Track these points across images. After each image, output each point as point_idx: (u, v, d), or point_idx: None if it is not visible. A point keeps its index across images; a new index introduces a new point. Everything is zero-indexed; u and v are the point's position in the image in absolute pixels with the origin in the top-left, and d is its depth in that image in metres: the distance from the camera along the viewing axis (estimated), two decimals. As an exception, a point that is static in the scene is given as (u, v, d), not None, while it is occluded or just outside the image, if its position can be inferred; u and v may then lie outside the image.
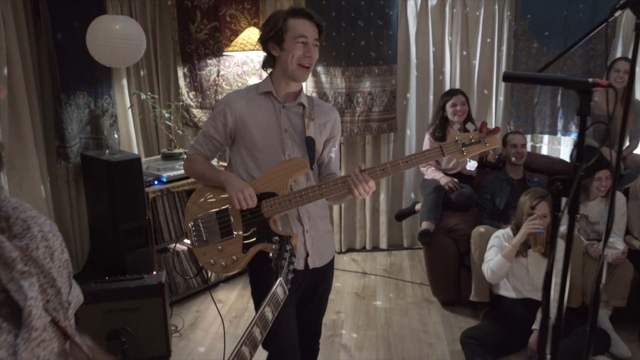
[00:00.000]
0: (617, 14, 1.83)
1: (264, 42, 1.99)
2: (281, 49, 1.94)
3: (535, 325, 3.07)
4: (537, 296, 3.15)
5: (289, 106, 2.02)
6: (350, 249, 4.85)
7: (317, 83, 4.30)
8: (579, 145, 1.37)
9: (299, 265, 2.04)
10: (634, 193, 3.58)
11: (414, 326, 3.56)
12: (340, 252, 4.77)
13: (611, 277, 3.37)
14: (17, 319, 0.78)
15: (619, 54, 4.27)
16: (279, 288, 1.42)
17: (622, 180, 3.75)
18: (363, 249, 4.86)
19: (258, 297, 2.12)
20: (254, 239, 1.96)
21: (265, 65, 2.04)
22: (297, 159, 1.99)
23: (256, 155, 2.00)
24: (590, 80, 1.34)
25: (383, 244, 4.83)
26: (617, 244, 3.36)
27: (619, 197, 3.50)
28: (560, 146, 4.62)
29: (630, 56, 4.15)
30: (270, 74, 2.04)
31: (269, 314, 1.29)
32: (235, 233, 1.97)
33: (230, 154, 2.12)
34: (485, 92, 4.54)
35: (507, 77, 1.56)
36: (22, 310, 0.78)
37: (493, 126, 2.48)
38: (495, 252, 3.20)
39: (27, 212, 0.84)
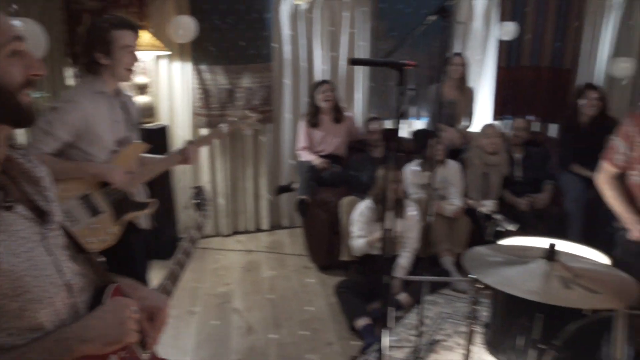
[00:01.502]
0: (430, 19, 2.46)
1: (88, 51, 2.31)
2: (110, 58, 2.30)
3: (399, 272, 3.70)
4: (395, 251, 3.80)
5: (118, 101, 2.44)
6: (236, 232, 5.25)
7: (201, 80, 4.66)
8: (399, 112, 1.91)
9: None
10: (469, 163, 4.36)
11: (295, 288, 4.06)
12: (227, 235, 5.16)
13: (453, 229, 4.12)
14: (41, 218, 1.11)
15: (457, 50, 5.09)
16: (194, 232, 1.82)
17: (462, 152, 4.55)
18: (247, 231, 5.29)
19: None
20: (122, 211, 2.38)
21: (91, 69, 2.34)
22: (138, 143, 2.49)
23: (98, 146, 2.34)
24: (403, 61, 1.89)
25: (265, 225, 5.30)
26: (455, 201, 4.13)
27: (453, 164, 4.27)
28: (413, 128, 5.38)
29: (462, 51, 5.01)
30: (97, 74, 2.35)
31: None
32: (102, 211, 2.34)
33: (66, 150, 2.30)
34: (350, 82, 5.15)
35: (352, 62, 2.08)
36: (45, 213, 1.11)
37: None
38: (359, 227, 3.75)
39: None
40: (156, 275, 1.92)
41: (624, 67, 4.74)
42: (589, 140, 4.34)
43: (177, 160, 2.60)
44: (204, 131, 4.75)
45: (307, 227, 4.40)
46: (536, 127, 5.31)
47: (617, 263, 2.55)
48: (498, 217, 2.50)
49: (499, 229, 2.46)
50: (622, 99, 5.09)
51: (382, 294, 3.69)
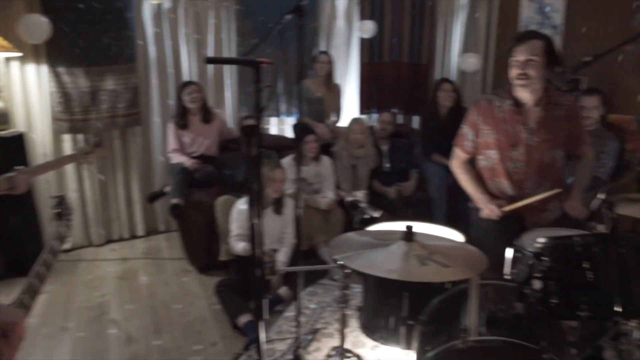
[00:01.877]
0: (287, 18, 2.53)
1: None
2: None
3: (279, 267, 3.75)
4: (273, 245, 3.86)
5: None
6: (110, 241, 5.03)
7: (60, 84, 4.38)
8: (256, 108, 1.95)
9: None
10: (337, 157, 4.53)
11: (175, 292, 3.99)
12: (100, 245, 4.92)
13: (327, 221, 4.27)
14: None
15: (322, 48, 5.25)
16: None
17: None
18: (122, 239, 5.09)
19: None
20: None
21: None
22: None
23: None
24: (258, 59, 1.93)
25: (141, 231, 5.13)
26: (328, 194, 4.28)
27: (326, 159, 4.41)
28: (285, 126, 5.49)
29: (327, 49, 5.17)
30: None
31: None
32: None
33: None
34: (218, 82, 5.12)
35: (207, 60, 2.08)
36: None
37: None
38: (238, 225, 3.75)
39: None
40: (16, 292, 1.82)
41: (472, 62, 5.17)
42: (447, 130, 4.67)
43: (2, 188, 2.36)
44: (67, 137, 4.51)
45: (183, 230, 4.33)
46: (400, 119, 5.62)
47: (471, 239, 2.80)
48: (363, 205, 2.64)
49: (365, 216, 2.60)
50: (474, 91, 5.53)
51: (258, 288, 3.77)
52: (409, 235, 1.85)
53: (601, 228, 2.62)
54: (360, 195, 4.35)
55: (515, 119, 2.69)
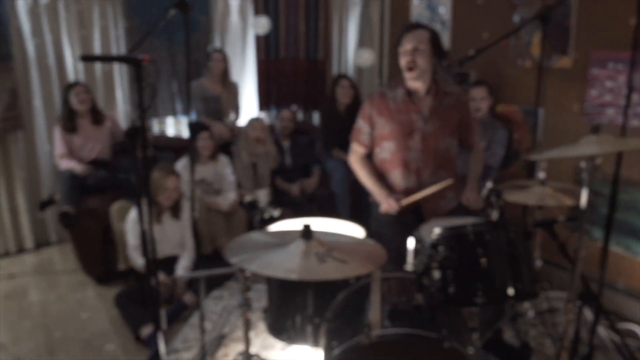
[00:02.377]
0: (170, 13, 2.41)
1: None
2: None
3: (180, 273, 3.62)
4: (175, 251, 3.72)
5: None
6: (-7, 257, 4.65)
7: None
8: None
9: None
10: (237, 156, 4.44)
11: (71, 308, 3.73)
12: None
13: (230, 223, 4.18)
14: None
15: (217, 45, 5.12)
16: None
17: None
18: (7, 254, 4.70)
19: None
20: None
21: None
22: None
23: None
24: (140, 56, 1.82)
25: (30, 244, 4.77)
26: (229, 195, 4.19)
27: (224, 158, 4.31)
28: (182, 126, 5.32)
29: (222, 46, 5.06)
30: None
31: None
32: None
33: None
34: (108, 81, 4.86)
35: (83, 58, 1.95)
36: None
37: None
38: (135, 235, 3.58)
39: None
40: None
41: (366, 58, 5.24)
42: (347, 126, 4.72)
43: None
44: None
45: (77, 239, 4.06)
46: (300, 116, 5.61)
47: (372, 233, 2.83)
48: (262, 205, 2.59)
49: (264, 216, 2.55)
50: (371, 86, 5.63)
51: (156, 299, 3.63)
52: (307, 233, 1.82)
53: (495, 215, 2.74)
54: (262, 194, 4.30)
55: (408, 108, 2.75)
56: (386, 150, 2.83)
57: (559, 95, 3.78)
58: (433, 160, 2.78)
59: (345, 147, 4.43)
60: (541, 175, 2.58)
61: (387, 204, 2.71)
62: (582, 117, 3.65)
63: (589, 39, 3.57)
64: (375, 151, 2.91)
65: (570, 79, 3.70)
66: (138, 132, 1.70)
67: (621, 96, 3.40)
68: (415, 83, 2.74)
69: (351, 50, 5.58)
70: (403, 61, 2.68)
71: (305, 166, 4.83)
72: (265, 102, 5.38)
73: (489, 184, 1.98)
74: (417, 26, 2.71)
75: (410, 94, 2.77)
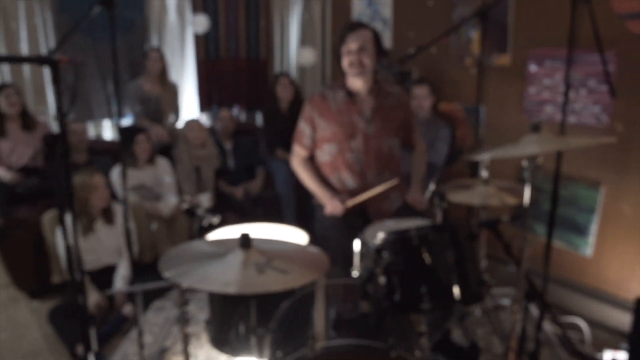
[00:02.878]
0: (95, 10, 2.26)
1: None
2: None
3: (119, 284, 3.45)
4: (113, 259, 3.54)
5: None
6: None
7: None
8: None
9: None
10: (177, 160, 4.28)
11: (1, 326, 3.50)
12: None
13: (172, 230, 4.02)
14: None
15: (155, 44, 4.93)
16: None
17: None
18: None
19: None
20: None
21: None
22: None
23: None
24: (57, 57, 1.68)
25: (-45, 258, 4.47)
26: (170, 200, 4.03)
27: (164, 162, 4.15)
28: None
29: (159, 45, 4.88)
30: None
31: None
32: None
33: None
34: (38, 82, 4.59)
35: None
36: None
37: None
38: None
39: None
40: None
41: (308, 57, 5.18)
42: (289, 125, 4.65)
43: None
44: None
45: (6, 252, 3.81)
46: (244, 116, 5.49)
47: (317, 238, 2.76)
48: (200, 211, 2.47)
49: (203, 223, 2.43)
50: (315, 85, 5.56)
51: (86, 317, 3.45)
52: (245, 242, 1.72)
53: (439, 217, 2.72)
54: (204, 198, 4.15)
55: (350, 109, 2.70)
56: (328, 153, 2.76)
57: (499, 92, 3.82)
58: (376, 161, 2.73)
59: (288, 147, 4.34)
60: (484, 174, 2.58)
61: (331, 206, 2.64)
62: (522, 114, 3.69)
63: (527, 36, 3.61)
64: (317, 153, 2.84)
65: (510, 77, 3.74)
66: (56, 138, 1.56)
67: (559, 93, 3.45)
68: (358, 82, 2.69)
69: (293, 49, 5.49)
70: (347, 61, 2.62)
71: (249, 168, 4.72)
72: (206, 102, 5.23)
73: (432, 186, 1.95)
74: (361, 25, 2.67)
75: (351, 94, 2.72)
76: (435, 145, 3.98)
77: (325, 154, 2.78)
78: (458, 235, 1.72)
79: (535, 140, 1.90)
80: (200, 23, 4.80)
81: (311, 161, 2.88)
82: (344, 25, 2.71)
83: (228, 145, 4.68)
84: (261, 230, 2.54)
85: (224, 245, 1.81)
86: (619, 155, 3.24)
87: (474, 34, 3.92)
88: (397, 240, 1.75)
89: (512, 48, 3.70)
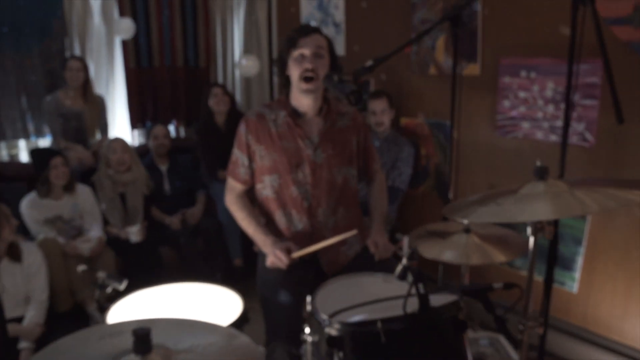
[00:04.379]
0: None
1: None
2: None
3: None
4: (20, 309, 2.94)
5: None
6: None
7: None
8: None
9: None
10: (99, 186, 3.68)
11: None
12: None
13: (96, 269, 3.41)
14: None
15: (76, 52, 4.31)
16: None
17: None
18: None
19: None
20: None
21: None
22: None
23: None
24: None
25: None
26: (93, 234, 3.44)
27: (85, 189, 3.55)
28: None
29: (82, 54, 4.26)
30: None
31: None
32: None
33: None
34: None
35: None
36: None
37: None
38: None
39: None
40: None
41: (251, 66, 4.62)
42: (229, 141, 4.11)
43: None
44: None
45: None
46: (182, 132, 4.91)
47: (258, 296, 2.26)
48: (100, 277, 1.90)
49: (107, 291, 1.87)
50: (262, 97, 5.01)
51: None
52: (143, 344, 1.19)
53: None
54: (134, 231, 3.58)
55: (294, 132, 2.20)
56: (269, 186, 2.24)
57: (468, 105, 3.37)
58: (328, 195, 2.23)
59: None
60: (463, 219, 2.07)
61: (273, 257, 2.12)
62: (495, 130, 3.26)
63: (498, 43, 3.18)
64: (256, 187, 2.32)
65: (480, 88, 3.30)
66: None
67: (537, 108, 3.04)
68: (306, 100, 2.19)
69: (237, 57, 4.93)
70: (299, 70, 2.12)
71: (188, 192, 4.16)
72: (138, 118, 4.61)
73: (394, 214, 1.45)
74: (315, 29, 2.17)
75: (295, 114, 2.21)
76: (397, 166, 3.51)
77: (266, 188, 2.26)
78: (441, 327, 1.23)
79: (543, 193, 1.38)
80: (125, 28, 4.18)
81: (248, 198, 2.36)
82: (294, 28, 2.21)
83: (163, 167, 4.11)
84: (180, 296, 1.99)
85: (117, 345, 1.27)
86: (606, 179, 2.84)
87: (439, 40, 3.47)
88: (357, 335, 1.25)
89: (482, 56, 3.27)
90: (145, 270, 3.59)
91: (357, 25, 4.06)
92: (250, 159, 2.26)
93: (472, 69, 3.31)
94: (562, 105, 2.92)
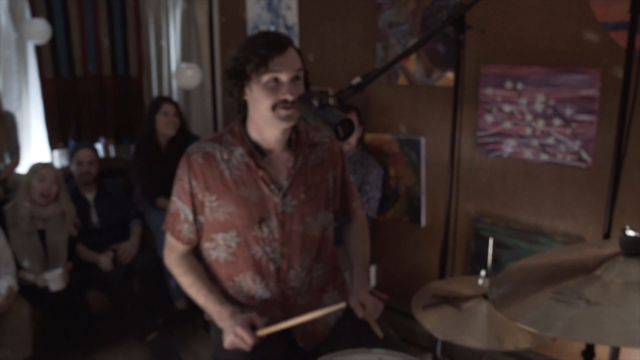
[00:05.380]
0: None
1: None
2: None
3: None
4: None
5: None
6: None
7: None
8: None
9: None
10: (12, 221, 3.05)
11: None
12: None
13: (4, 326, 2.81)
14: None
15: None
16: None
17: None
18: None
19: None
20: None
21: None
22: None
23: None
24: None
25: None
26: (2, 283, 2.81)
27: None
28: None
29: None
30: None
31: None
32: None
33: None
34: None
35: None
36: None
37: None
38: None
39: None
40: None
41: (190, 76, 4.03)
42: (173, 165, 3.56)
43: None
44: None
45: None
46: (112, 151, 4.28)
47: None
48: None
49: None
50: (204, 113, 4.42)
51: None
52: None
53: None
54: (54, 278, 2.98)
55: (256, 176, 1.69)
56: (223, 247, 1.73)
57: (443, 120, 2.98)
58: (302, 252, 1.74)
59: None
60: (481, 280, 1.62)
61: (233, 336, 1.61)
62: (476, 149, 2.87)
63: (479, 49, 2.78)
64: (205, 246, 1.80)
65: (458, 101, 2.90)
66: None
67: (525, 123, 2.66)
68: (273, 133, 1.68)
69: (174, 64, 4.34)
70: (271, 100, 1.59)
71: (121, 223, 3.58)
72: (58, 137, 3.94)
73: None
74: (289, 42, 1.65)
75: (257, 152, 1.71)
76: (364, 190, 3.08)
77: (218, 249, 1.74)
78: None
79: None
80: (38, 32, 3.50)
81: (194, 257, 1.85)
82: (260, 37, 1.64)
83: (90, 195, 3.51)
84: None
85: None
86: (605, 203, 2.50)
87: (410, 45, 3.04)
88: None
89: (460, 64, 2.87)
90: (70, 322, 3.03)
91: (313, 29, 3.59)
92: (196, 212, 1.73)
93: (447, 79, 2.91)
94: (555, 121, 2.57)
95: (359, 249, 1.93)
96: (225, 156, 1.70)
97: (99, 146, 4.12)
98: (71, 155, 3.65)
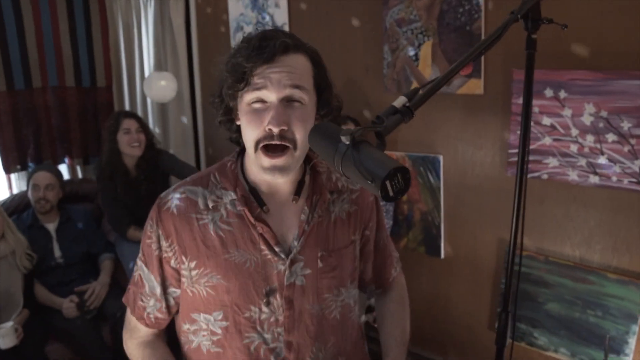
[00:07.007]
0: None
1: None
2: None
3: None
4: None
5: None
6: None
7: None
8: None
9: None
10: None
11: None
12: None
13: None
14: None
15: None
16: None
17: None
18: None
19: None
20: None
21: None
22: None
23: None
24: None
25: None
26: None
27: None
28: None
29: None
30: None
31: None
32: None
33: None
34: None
35: None
36: None
37: None
38: None
39: None
40: None
41: (165, 87, 3.49)
42: (142, 189, 3.09)
43: None
44: None
45: None
46: (78, 172, 3.78)
47: None
48: None
49: None
50: (182, 128, 3.88)
51: None
52: None
53: None
54: (4, 332, 2.48)
55: (253, 234, 1.19)
56: (206, 332, 1.24)
57: (465, 134, 2.53)
58: (315, 342, 1.25)
59: (143, 221, 2.80)
60: None
61: None
62: (506, 169, 2.42)
63: (510, 52, 2.32)
64: (183, 329, 1.30)
65: (484, 112, 2.46)
66: None
67: (570, 139, 2.22)
68: (274, 176, 1.16)
69: (148, 70, 3.81)
70: (254, 131, 1.10)
71: (88, 258, 3.09)
72: (14, 158, 3.43)
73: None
74: (285, 45, 1.10)
75: (255, 199, 1.21)
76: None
77: (200, 334, 1.25)
78: None
79: None
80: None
81: (163, 341, 1.36)
82: (249, 38, 1.13)
83: (51, 225, 3.02)
84: None
85: None
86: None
87: (424, 47, 2.59)
88: None
89: (486, 68, 2.42)
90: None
91: (306, 29, 3.10)
92: (166, 284, 1.25)
93: (472, 86, 2.46)
94: (609, 136, 2.12)
95: (397, 329, 1.43)
96: (210, 201, 1.20)
97: (64, 167, 3.62)
98: (27, 179, 3.14)
